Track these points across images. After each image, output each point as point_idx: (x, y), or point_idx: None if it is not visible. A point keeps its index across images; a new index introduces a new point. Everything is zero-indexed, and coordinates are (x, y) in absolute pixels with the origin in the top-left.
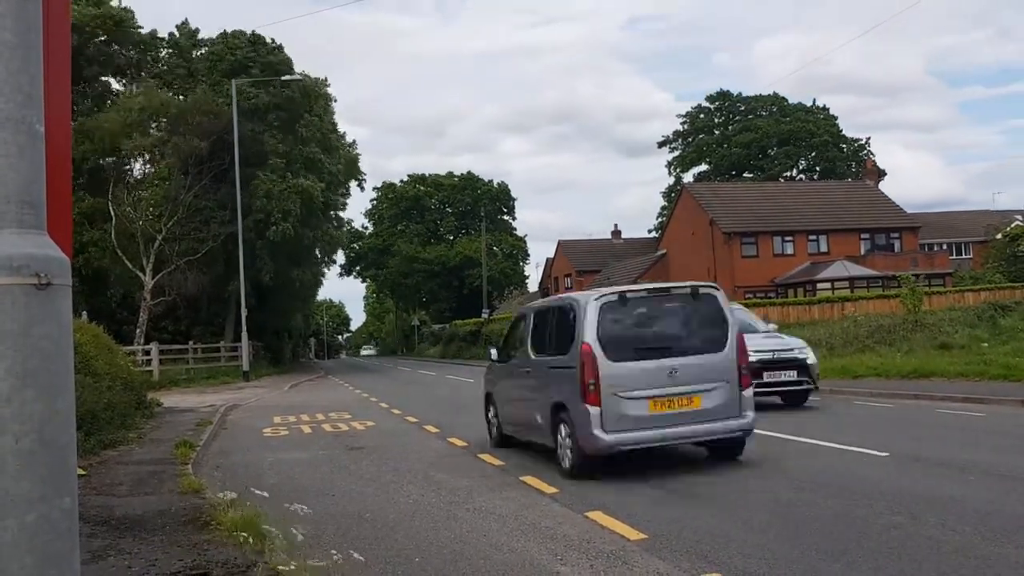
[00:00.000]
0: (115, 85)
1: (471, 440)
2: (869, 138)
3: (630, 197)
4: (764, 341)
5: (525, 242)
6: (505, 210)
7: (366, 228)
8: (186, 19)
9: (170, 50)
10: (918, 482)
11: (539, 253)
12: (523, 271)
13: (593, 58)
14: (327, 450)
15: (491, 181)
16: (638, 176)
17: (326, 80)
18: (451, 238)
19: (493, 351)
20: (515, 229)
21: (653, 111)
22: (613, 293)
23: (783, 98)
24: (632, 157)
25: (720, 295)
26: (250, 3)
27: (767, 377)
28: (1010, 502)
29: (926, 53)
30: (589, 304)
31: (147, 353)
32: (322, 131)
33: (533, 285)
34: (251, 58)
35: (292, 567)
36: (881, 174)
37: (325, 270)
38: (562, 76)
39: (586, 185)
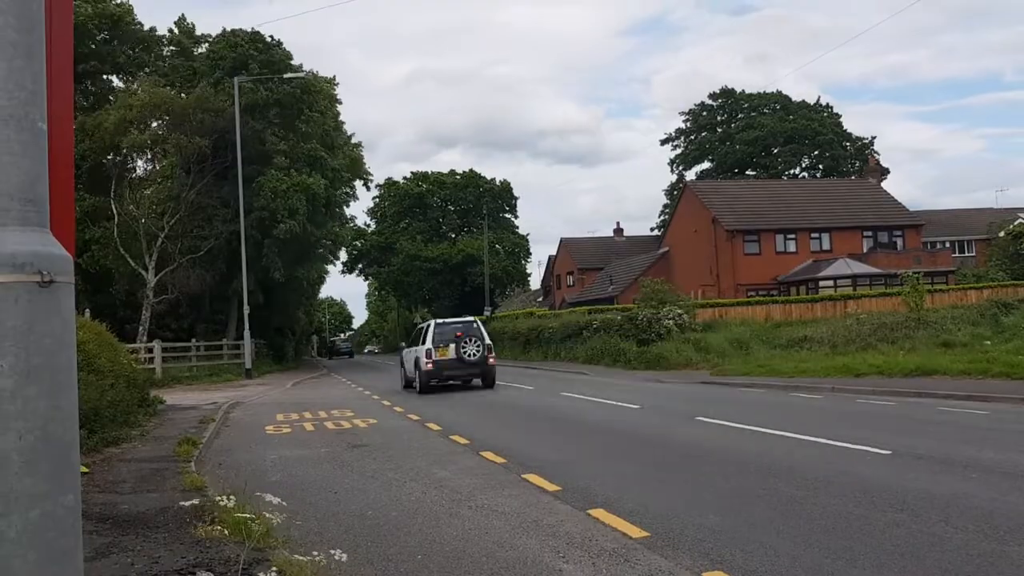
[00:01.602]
0: (117, 83)
1: (473, 438)
2: (874, 137)
3: (583, 202)
4: None
5: (527, 240)
6: (507, 208)
7: (368, 226)
8: (183, 15)
9: (172, 48)
10: (920, 480)
11: None
12: (525, 269)
13: (521, 84)
14: (329, 448)
15: (493, 179)
16: (585, 184)
17: (334, 79)
18: (453, 236)
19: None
20: (517, 227)
21: (583, 127)
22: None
23: (787, 96)
24: (561, 165)
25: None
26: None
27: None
28: (1013, 500)
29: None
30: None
31: (150, 351)
32: (324, 128)
33: (534, 283)
34: (252, 56)
35: (296, 564)
36: (884, 172)
37: (328, 268)
38: (493, 97)
39: (531, 193)
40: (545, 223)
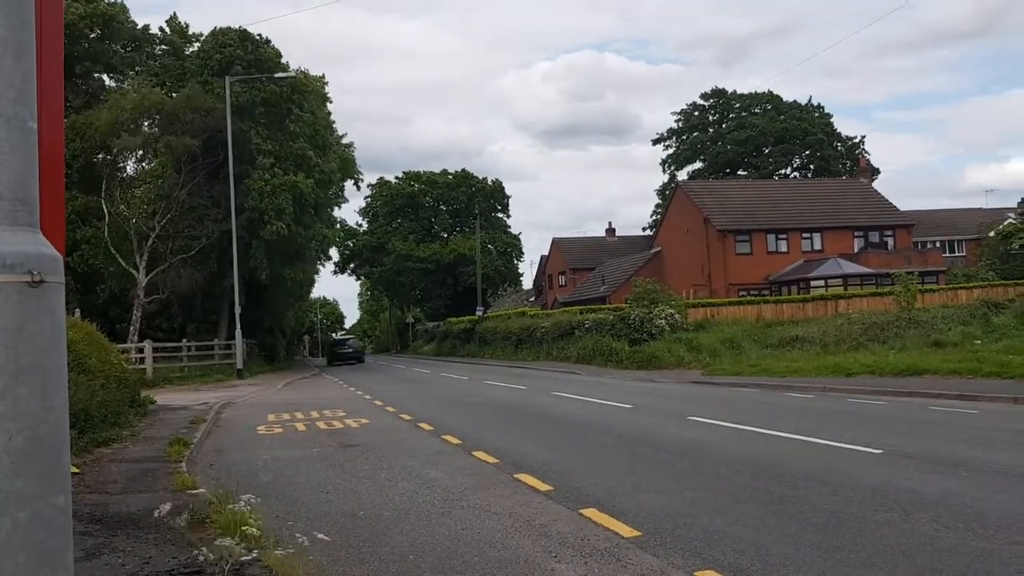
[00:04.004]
0: (108, 82)
1: (466, 438)
2: (864, 136)
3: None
4: None
5: (519, 240)
6: (499, 208)
7: (360, 226)
8: (174, 13)
9: (164, 47)
10: (911, 479)
11: None
12: (517, 268)
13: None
14: (321, 448)
15: (485, 179)
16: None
17: (323, 78)
18: (445, 236)
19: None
20: (509, 227)
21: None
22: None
23: (778, 96)
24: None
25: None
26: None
27: None
28: (1002, 499)
29: None
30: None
31: (141, 351)
32: (314, 128)
33: (527, 282)
34: (238, 56)
35: (286, 563)
36: (875, 172)
37: (319, 268)
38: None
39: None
40: None
